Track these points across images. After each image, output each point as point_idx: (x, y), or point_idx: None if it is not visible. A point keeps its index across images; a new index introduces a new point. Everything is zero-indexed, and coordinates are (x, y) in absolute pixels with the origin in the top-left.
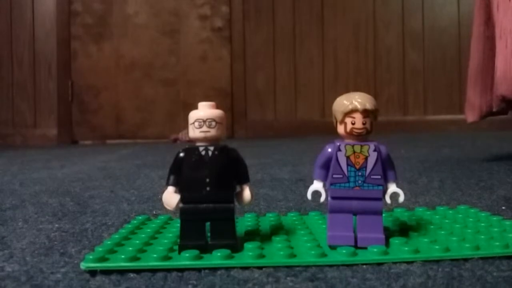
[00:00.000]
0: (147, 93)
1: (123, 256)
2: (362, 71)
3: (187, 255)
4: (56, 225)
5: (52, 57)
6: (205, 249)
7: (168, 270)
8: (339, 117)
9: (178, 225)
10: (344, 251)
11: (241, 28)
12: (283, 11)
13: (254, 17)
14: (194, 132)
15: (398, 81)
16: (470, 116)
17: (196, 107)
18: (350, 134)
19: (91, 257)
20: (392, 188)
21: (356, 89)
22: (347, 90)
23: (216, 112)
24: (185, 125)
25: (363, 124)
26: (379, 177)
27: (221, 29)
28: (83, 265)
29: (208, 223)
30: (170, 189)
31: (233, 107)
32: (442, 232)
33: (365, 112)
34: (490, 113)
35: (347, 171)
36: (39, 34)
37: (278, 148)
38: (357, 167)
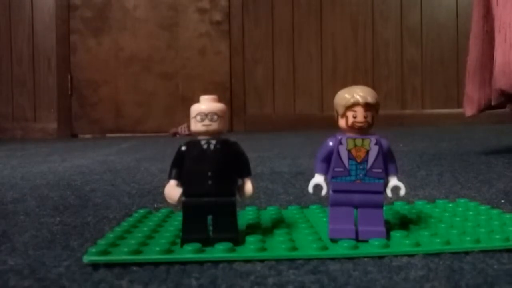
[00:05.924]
0: (146, 87)
1: (125, 249)
2: (360, 65)
3: (189, 248)
4: (58, 219)
5: (52, 51)
6: (207, 242)
7: (171, 263)
8: (340, 110)
9: (180, 218)
10: (345, 244)
11: (240, 22)
12: (281, 5)
13: (253, 10)
14: (195, 125)
15: (396, 75)
16: (469, 109)
17: (195, 101)
18: (352, 127)
19: (93, 250)
20: (393, 181)
21: (355, 83)
22: (345, 84)
23: (218, 106)
24: (184, 119)
25: (365, 117)
26: (380, 170)
27: (220, 22)
28: (86, 259)
29: (210, 217)
30: (172, 182)
31: (232, 101)
32: (443, 225)
33: (367, 106)
34: (488, 107)
35: (348, 164)
36: (38, 28)
37: (277, 142)
38: (359, 160)
